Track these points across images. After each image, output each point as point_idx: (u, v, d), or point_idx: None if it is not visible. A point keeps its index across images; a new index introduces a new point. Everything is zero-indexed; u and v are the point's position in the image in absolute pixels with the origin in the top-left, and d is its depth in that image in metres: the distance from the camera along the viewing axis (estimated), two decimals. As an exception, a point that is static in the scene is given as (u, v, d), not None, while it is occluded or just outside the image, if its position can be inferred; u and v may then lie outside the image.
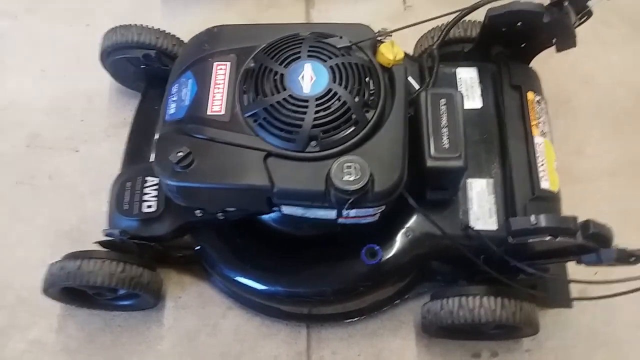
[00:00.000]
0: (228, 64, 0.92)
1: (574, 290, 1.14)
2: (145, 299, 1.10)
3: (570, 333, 1.14)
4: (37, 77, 1.43)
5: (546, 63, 1.16)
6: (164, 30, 1.20)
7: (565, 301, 1.13)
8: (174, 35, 1.21)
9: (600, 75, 1.41)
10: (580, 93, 1.39)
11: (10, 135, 1.35)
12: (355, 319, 1.13)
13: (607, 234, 0.83)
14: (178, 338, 1.14)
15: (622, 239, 0.85)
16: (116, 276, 0.99)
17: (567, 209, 1.02)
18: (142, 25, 1.18)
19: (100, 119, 1.36)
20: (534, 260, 0.94)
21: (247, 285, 1.08)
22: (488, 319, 0.94)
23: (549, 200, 0.98)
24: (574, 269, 1.11)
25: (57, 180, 1.29)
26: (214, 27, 0.99)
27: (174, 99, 0.93)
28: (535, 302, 1.02)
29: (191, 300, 1.17)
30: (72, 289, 1.04)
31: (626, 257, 0.79)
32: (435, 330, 1.05)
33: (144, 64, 1.19)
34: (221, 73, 0.91)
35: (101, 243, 1.06)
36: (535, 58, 1.13)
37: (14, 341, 1.14)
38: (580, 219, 0.85)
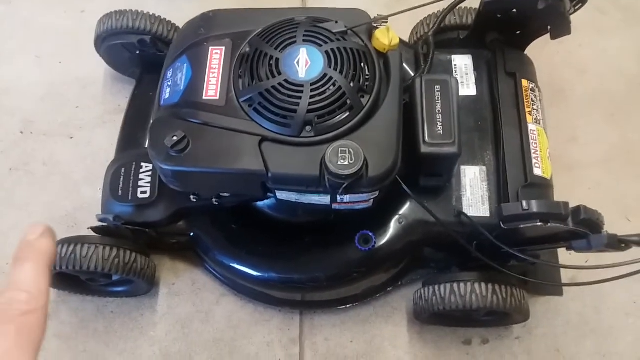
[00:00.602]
0: (223, 48, 0.92)
1: (565, 278, 1.15)
2: (139, 285, 1.10)
3: (560, 320, 1.15)
4: (32, 63, 1.42)
5: (541, 51, 1.16)
6: (160, 16, 1.19)
7: (555, 288, 1.14)
8: (169, 21, 1.20)
9: (595, 63, 1.41)
10: (574, 81, 1.39)
11: (4, 122, 1.34)
12: (349, 305, 1.14)
13: (597, 220, 0.84)
14: (171, 324, 1.14)
15: (614, 226, 0.86)
16: (110, 261, 0.99)
17: (560, 196, 1.02)
18: (137, 10, 1.17)
19: (95, 105, 1.36)
20: (526, 246, 0.94)
21: (241, 271, 1.09)
22: (479, 305, 0.95)
23: (542, 187, 0.98)
24: (564, 257, 1.12)
25: (52, 167, 1.29)
26: (209, 11, 0.98)
27: (168, 83, 0.93)
28: (526, 289, 1.03)
29: (185, 287, 1.18)
30: (66, 274, 1.04)
31: (616, 243, 0.80)
32: (427, 316, 1.05)
33: (139, 50, 1.18)
34: (216, 58, 0.91)
35: (95, 229, 1.06)
36: (530, 46, 1.13)
37: (7, 326, 1.14)
38: (573, 205, 0.86)
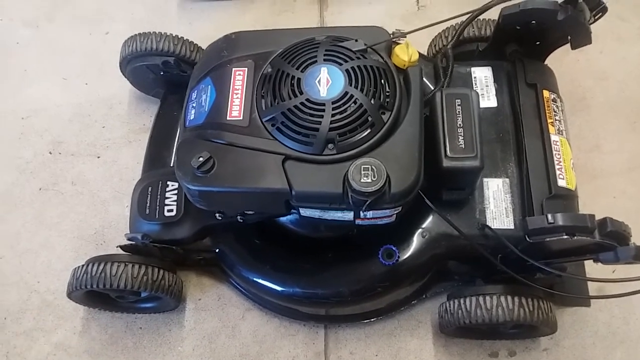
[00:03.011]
0: (246, 69, 0.94)
1: (592, 288, 1.13)
2: (167, 301, 1.12)
3: (588, 332, 1.13)
4: (59, 85, 1.47)
5: (561, 60, 1.16)
6: (182, 37, 1.22)
7: (583, 299, 1.13)
8: (192, 42, 1.23)
9: (616, 71, 1.40)
10: (595, 89, 1.38)
11: (34, 143, 1.39)
12: (373, 319, 1.14)
13: (624, 232, 0.83)
14: (198, 339, 1.16)
15: (640, 236, 0.85)
16: (138, 279, 1.02)
17: (585, 205, 1.02)
18: (160, 32, 1.20)
19: (121, 125, 1.39)
20: (552, 259, 0.94)
21: (265, 286, 1.10)
22: (506, 318, 0.94)
23: (566, 198, 0.98)
24: (591, 268, 1.10)
25: (80, 186, 1.32)
26: (231, 33, 1.00)
27: (193, 105, 0.95)
28: (553, 301, 1.02)
29: (211, 302, 1.19)
30: (96, 292, 1.06)
31: (645, 255, 0.79)
32: (452, 329, 1.05)
33: (163, 71, 1.21)
34: (239, 79, 0.93)
35: (123, 247, 1.09)
36: (550, 55, 1.13)
37: (39, 344, 1.17)
38: (599, 216, 0.85)
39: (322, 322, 1.16)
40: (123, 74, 1.30)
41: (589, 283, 1.13)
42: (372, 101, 0.86)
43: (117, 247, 1.09)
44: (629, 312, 1.15)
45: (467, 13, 1.02)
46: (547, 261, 0.92)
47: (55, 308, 1.20)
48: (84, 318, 1.19)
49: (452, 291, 1.07)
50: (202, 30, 1.49)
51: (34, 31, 1.56)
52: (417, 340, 1.14)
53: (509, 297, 0.95)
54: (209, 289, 1.21)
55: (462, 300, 0.99)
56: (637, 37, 1.44)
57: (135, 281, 1.01)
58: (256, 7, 1.55)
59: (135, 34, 1.21)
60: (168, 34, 1.21)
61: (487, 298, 0.96)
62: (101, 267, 1.01)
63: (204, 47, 1.07)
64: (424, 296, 1.15)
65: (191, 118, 0.94)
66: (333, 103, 0.85)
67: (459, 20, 1.08)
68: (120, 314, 1.18)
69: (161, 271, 1.06)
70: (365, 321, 1.15)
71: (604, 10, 1.00)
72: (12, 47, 1.53)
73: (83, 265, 1.04)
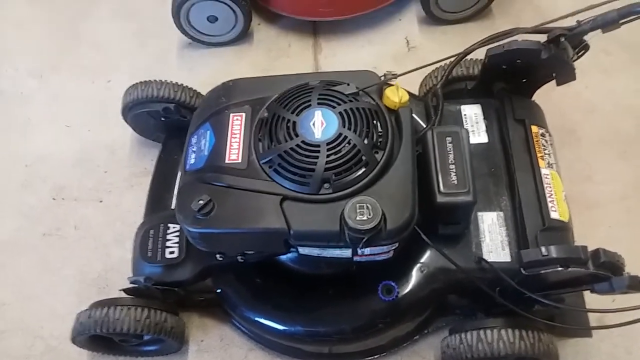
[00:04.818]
0: (243, 114, 0.97)
1: (592, 319, 1.13)
2: (170, 343, 1.12)
3: (591, 363, 1.13)
4: (62, 132, 1.51)
5: (549, 95, 1.19)
6: (182, 84, 1.26)
7: (584, 331, 1.13)
8: (191, 88, 1.27)
9: (603, 103, 1.44)
10: (584, 122, 1.42)
11: (37, 189, 1.41)
12: (376, 356, 1.14)
13: (617, 262, 0.84)
14: (202, 381, 1.16)
15: (638, 264, 0.86)
16: (142, 322, 1.03)
17: (581, 236, 1.03)
18: (161, 80, 1.25)
19: (123, 169, 1.43)
20: (549, 290, 0.95)
21: (267, 325, 1.11)
22: (507, 351, 0.94)
23: (560, 230, 1.00)
24: (591, 298, 1.11)
25: (83, 231, 1.34)
26: (229, 81, 1.04)
27: (193, 149, 0.98)
28: (554, 332, 1.03)
29: (213, 343, 1.20)
30: (99, 336, 1.07)
31: (638, 285, 0.80)
32: (456, 364, 1.05)
33: (163, 117, 1.25)
34: (237, 123, 0.96)
35: (126, 290, 1.10)
36: (537, 91, 1.16)
37: (43, 390, 1.17)
38: (594, 246, 0.86)
39: (325, 361, 1.16)
40: (125, 121, 1.34)
41: (590, 314, 1.14)
42: (366, 141, 0.89)
43: (119, 290, 1.11)
44: (631, 342, 1.14)
45: (455, 55, 1.07)
46: (544, 293, 0.93)
47: (60, 353, 1.20)
48: (88, 363, 1.19)
49: (453, 325, 1.08)
50: (201, 76, 1.54)
51: (38, 81, 1.61)
52: (421, 376, 1.14)
53: (510, 330, 0.95)
54: (212, 330, 1.21)
55: (463, 335, 0.99)
56: (622, 70, 1.49)
57: (138, 324, 1.02)
58: (253, 53, 1.61)
59: (137, 82, 1.26)
60: (168, 81, 1.25)
61: (488, 332, 0.96)
62: (104, 311, 1.02)
63: (204, 92, 1.12)
64: (425, 331, 1.15)
65: (191, 162, 0.97)
66: (328, 144, 0.88)
67: (448, 61, 1.12)
68: (124, 357, 1.18)
69: (163, 314, 1.07)
70: (368, 358, 1.14)
71: (587, 47, 1.03)
72: (17, 97, 1.58)
73: (87, 310, 1.05)
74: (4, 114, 1.55)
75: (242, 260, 1.04)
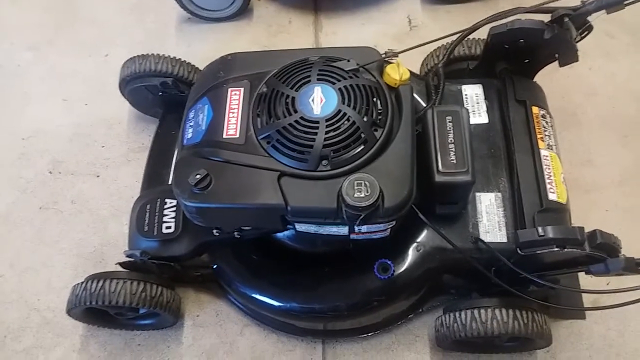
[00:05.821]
0: (242, 89, 0.96)
1: (587, 300, 1.14)
2: (165, 317, 1.13)
3: (584, 344, 1.14)
4: (59, 106, 1.49)
5: (551, 76, 1.18)
6: (180, 59, 1.25)
7: (578, 312, 1.14)
8: (189, 63, 1.25)
9: (605, 86, 1.43)
10: (586, 104, 1.41)
11: (34, 163, 1.41)
12: (370, 333, 1.15)
13: (614, 244, 0.84)
14: (197, 356, 1.17)
15: (633, 247, 0.87)
16: (137, 296, 1.03)
17: (577, 219, 1.04)
18: (158, 54, 1.23)
19: (120, 144, 1.42)
20: (544, 271, 0.95)
21: (263, 302, 1.11)
22: (501, 331, 0.95)
23: (558, 212, 1.00)
24: (585, 280, 1.11)
25: (80, 205, 1.34)
26: (227, 55, 1.03)
27: (191, 124, 0.97)
28: (548, 313, 1.03)
29: (209, 318, 1.20)
30: (95, 309, 1.07)
31: (634, 266, 0.81)
32: (449, 343, 1.06)
33: (161, 91, 1.24)
34: (235, 98, 0.95)
35: (122, 264, 1.10)
36: (540, 72, 1.15)
37: (39, 361, 1.17)
38: (590, 229, 0.87)
39: (319, 337, 1.17)
40: (122, 95, 1.32)
41: (584, 296, 1.14)
42: (365, 118, 0.88)
43: (116, 264, 1.11)
44: (624, 325, 1.15)
45: (457, 33, 1.05)
46: (540, 273, 0.93)
47: (55, 326, 1.20)
48: (83, 335, 1.19)
49: (448, 305, 1.08)
50: (200, 52, 1.52)
51: (34, 54, 1.59)
52: (414, 354, 1.15)
53: (504, 310, 0.96)
54: (207, 305, 1.21)
55: (457, 314, 1.00)
56: (625, 53, 1.48)
57: (133, 298, 1.02)
58: (253, 29, 1.59)
59: (134, 56, 1.24)
60: (166, 55, 1.24)
61: (482, 311, 0.97)
62: (100, 284, 1.02)
63: (202, 68, 1.10)
64: (420, 310, 1.15)
65: (189, 137, 0.96)
66: (327, 120, 0.87)
67: (449, 39, 1.11)
68: (119, 331, 1.19)
69: (159, 288, 1.07)
70: (362, 336, 1.15)
71: (590, 28, 1.02)
72: (13, 70, 1.57)
73: (82, 282, 1.05)
74: (0, 88, 1.54)
75: (239, 237, 1.04)
